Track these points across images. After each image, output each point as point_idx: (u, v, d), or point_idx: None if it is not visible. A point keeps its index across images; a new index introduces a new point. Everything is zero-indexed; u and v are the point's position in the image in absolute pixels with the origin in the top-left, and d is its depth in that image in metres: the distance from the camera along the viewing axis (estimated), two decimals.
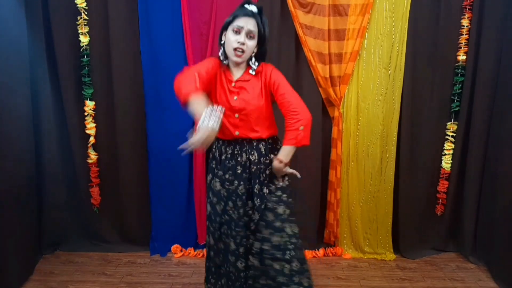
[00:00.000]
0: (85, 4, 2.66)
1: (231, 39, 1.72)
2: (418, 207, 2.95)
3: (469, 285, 2.57)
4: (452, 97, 2.81)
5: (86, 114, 2.80)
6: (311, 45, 2.67)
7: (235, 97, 1.77)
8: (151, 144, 2.81)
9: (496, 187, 2.65)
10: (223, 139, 1.84)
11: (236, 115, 1.77)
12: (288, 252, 1.72)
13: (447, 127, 2.85)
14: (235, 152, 1.82)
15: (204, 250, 2.89)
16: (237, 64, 1.79)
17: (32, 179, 2.64)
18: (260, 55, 1.82)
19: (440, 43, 2.74)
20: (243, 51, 1.72)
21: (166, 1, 2.64)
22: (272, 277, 1.72)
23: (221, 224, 1.86)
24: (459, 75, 2.76)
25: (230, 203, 1.82)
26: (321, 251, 2.93)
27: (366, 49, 2.72)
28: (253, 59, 1.80)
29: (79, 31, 2.69)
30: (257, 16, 1.74)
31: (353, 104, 2.79)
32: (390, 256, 2.90)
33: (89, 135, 2.83)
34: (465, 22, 2.69)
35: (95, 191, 2.91)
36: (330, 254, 2.93)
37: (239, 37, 1.71)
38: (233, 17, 1.74)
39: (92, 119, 2.82)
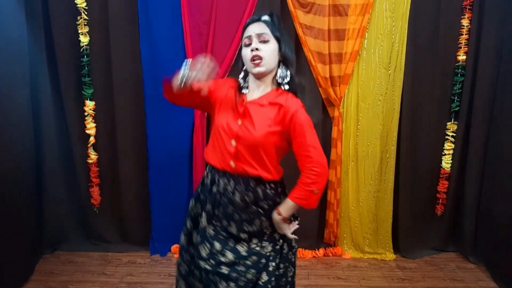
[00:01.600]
0: (85, 4, 2.66)
1: (244, 53, 1.49)
2: (418, 207, 2.95)
3: (469, 285, 2.57)
4: (452, 97, 2.81)
5: (86, 114, 2.81)
6: (311, 45, 2.67)
7: (240, 121, 1.47)
8: (151, 144, 2.81)
9: (496, 187, 2.65)
10: (217, 168, 1.52)
11: (233, 142, 1.46)
12: None
13: (447, 127, 2.86)
14: (228, 188, 1.49)
15: None
16: (260, 80, 1.51)
17: (32, 179, 2.64)
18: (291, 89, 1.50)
19: (440, 43, 2.74)
20: (260, 58, 1.44)
21: (166, 1, 2.65)
22: None
23: (196, 267, 1.55)
24: (459, 75, 2.76)
25: (217, 244, 1.51)
26: (321, 251, 2.93)
27: (366, 49, 2.72)
28: (281, 73, 1.51)
29: (79, 31, 2.69)
30: (266, 21, 1.49)
31: (353, 104, 2.79)
32: (390, 256, 2.90)
33: (89, 135, 2.83)
34: (465, 22, 2.70)
35: (95, 191, 2.91)
36: (330, 254, 2.93)
37: (252, 45, 1.46)
38: (242, 32, 1.54)
39: (92, 119, 2.82)
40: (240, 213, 1.49)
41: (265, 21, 1.49)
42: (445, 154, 2.88)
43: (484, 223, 2.80)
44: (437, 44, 2.74)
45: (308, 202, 1.44)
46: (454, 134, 2.84)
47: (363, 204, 2.90)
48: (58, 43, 2.71)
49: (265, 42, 1.46)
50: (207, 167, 1.59)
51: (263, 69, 1.46)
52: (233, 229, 1.51)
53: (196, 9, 2.65)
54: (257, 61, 1.44)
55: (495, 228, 2.65)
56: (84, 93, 2.78)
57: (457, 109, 2.80)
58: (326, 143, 2.86)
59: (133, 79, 2.76)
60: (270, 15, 1.51)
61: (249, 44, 1.47)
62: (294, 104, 1.45)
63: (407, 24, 2.65)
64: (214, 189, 1.53)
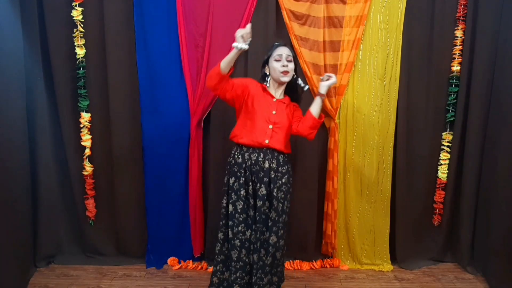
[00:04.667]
0: (81, 16, 2.67)
1: (275, 66, 2.20)
2: (415, 217, 2.94)
3: None
4: (447, 107, 2.83)
5: (81, 126, 2.80)
6: (306, 56, 2.69)
7: (274, 111, 2.20)
8: (147, 156, 2.80)
9: (492, 197, 2.65)
10: (248, 146, 2.18)
11: (270, 126, 2.18)
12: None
13: (443, 137, 2.87)
14: (259, 159, 2.16)
15: (203, 262, 2.89)
16: (280, 86, 2.27)
17: (27, 191, 2.62)
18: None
19: (434, 54, 2.76)
20: (287, 72, 2.19)
21: (162, 13, 2.66)
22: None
23: (240, 221, 2.16)
24: (453, 85, 2.78)
25: (251, 202, 2.17)
26: (318, 263, 2.92)
27: (361, 60, 2.74)
28: (299, 80, 2.31)
29: (75, 44, 2.70)
30: (288, 46, 2.28)
31: (348, 115, 2.80)
32: (388, 267, 2.89)
33: (84, 147, 2.82)
34: (458, 33, 2.72)
35: (90, 203, 2.90)
36: (328, 266, 2.92)
37: (282, 62, 2.19)
38: (271, 52, 2.25)
39: (88, 131, 2.81)
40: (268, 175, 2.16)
41: (288, 46, 2.28)
42: (441, 164, 2.88)
43: (481, 233, 2.80)
44: (431, 55, 2.77)
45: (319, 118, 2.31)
46: (450, 144, 2.85)
47: (360, 215, 2.89)
48: (54, 55, 2.71)
49: (290, 61, 2.22)
50: (236, 149, 2.24)
51: (287, 79, 2.23)
52: (264, 190, 2.15)
53: (192, 21, 2.67)
54: (286, 70, 2.19)
55: (492, 238, 2.64)
56: (79, 105, 2.78)
57: (452, 119, 2.82)
58: (323, 154, 2.87)
59: (129, 91, 2.76)
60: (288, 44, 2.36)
61: (279, 60, 2.19)
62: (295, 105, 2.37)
63: (401, 35, 2.68)
64: (248, 163, 2.16)
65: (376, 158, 2.82)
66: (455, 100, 2.80)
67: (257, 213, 2.15)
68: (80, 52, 2.71)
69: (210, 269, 2.81)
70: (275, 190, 2.15)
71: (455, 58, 2.76)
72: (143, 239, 2.93)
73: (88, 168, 2.84)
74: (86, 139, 2.81)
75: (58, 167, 2.86)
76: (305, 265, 2.89)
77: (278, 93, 2.28)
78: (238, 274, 2.16)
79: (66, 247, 2.97)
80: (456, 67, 2.76)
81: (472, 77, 2.73)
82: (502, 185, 2.55)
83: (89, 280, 2.71)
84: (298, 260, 2.92)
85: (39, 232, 2.82)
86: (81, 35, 2.70)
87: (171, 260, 2.91)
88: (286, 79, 2.21)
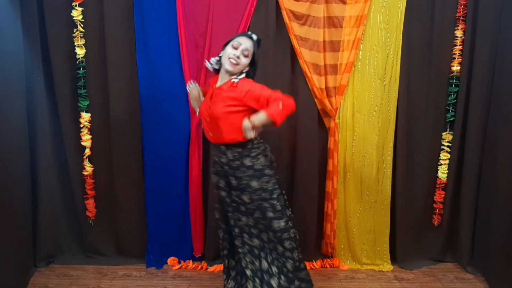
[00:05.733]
0: (81, 16, 2.67)
1: (228, 51, 2.03)
2: (415, 217, 2.94)
3: None
4: (447, 108, 2.83)
5: (81, 126, 2.80)
6: (306, 56, 2.69)
7: (209, 103, 2.07)
8: (147, 156, 2.80)
9: (492, 197, 2.65)
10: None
11: (208, 118, 2.08)
12: None
13: (443, 137, 2.87)
14: (215, 154, 2.16)
15: (203, 262, 2.90)
16: (227, 74, 2.06)
17: (27, 191, 2.62)
18: (248, 75, 2.09)
19: (434, 54, 2.76)
20: (237, 64, 2.01)
21: (162, 13, 2.66)
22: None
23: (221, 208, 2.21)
24: (453, 85, 2.78)
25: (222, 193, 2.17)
26: (318, 263, 2.92)
27: (361, 60, 2.74)
28: (240, 75, 2.05)
29: (75, 44, 2.70)
30: (255, 42, 2.07)
31: (348, 115, 2.80)
32: (388, 267, 2.89)
33: (84, 147, 2.82)
34: (458, 33, 2.72)
35: (90, 203, 2.90)
36: (328, 266, 2.91)
37: (236, 52, 2.01)
38: (235, 37, 2.08)
39: (88, 131, 2.81)
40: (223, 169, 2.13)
41: (253, 41, 2.06)
42: (441, 164, 2.88)
43: (481, 233, 2.80)
44: (431, 55, 2.76)
45: (271, 112, 1.88)
46: (450, 144, 2.85)
47: (360, 215, 2.89)
48: (54, 55, 2.71)
49: (245, 56, 2.03)
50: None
51: (232, 69, 2.02)
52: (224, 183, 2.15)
53: (192, 21, 2.67)
54: (233, 62, 2.01)
55: (492, 238, 2.64)
56: (79, 105, 2.78)
57: (452, 119, 2.82)
58: (323, 154, 2.87)
59: (129, 91, 2.76)
60: (258, 39, 2.11)
61: (235, 48, 2.01)
62: (245, 82, 2.02)
63: (401, 35, 2.68)
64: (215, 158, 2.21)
65: (376, 158, 2.82)
66: (455, 100, 2.79)
67: (224, 203, 2.17)
68: (80, 52, 2.71)
69: (210, 269, 2.82)
70: (232, 180, 2.08)
71: (455, 58, 2.76)
72: (143, 239, 2.93)
73: (88, 168, 2.84)
74: (86, 139, 2.81)
75: (58, 167, 2.86)
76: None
77: (223, 80, 2.08)
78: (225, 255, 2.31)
79: (66, 247, 2.98)
80: (456, 67, 2.75)
81: (472, 77, 2.72)
82: (502, 185, 2.55)
83: (89, 280, 2.71)
84: None
85: (39, 232, 2.82)
86: (81, 35, 2.70)
87: (171, 260, 2.91)
88: (230, 68, 2.01)
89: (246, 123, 1.91)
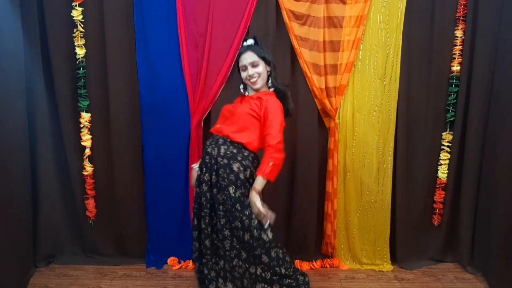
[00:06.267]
0: (81, 16, 2.67)
1: (243, 76, 2.13)
2: (415, 217, 2.94)
3: None
4: (447, 108, 2.83)
5: (81, 126, 2.80)
6: (306, 56, 2.69)
7: (236, 105, 2.13)
8: (147, 156, 2.80)
9: (492, 197, 2.65)
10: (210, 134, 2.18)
11: (227, 114, 2.12)
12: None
13: (443, 137, 2.86)
14: (207, 143, 2.11)
15: None
16: (257, 90, 2.14)
17: (27, 191, 2.62)
18: (273, 85, 2.15)
19: (434, 54, 2.76)
20: (256, 80, 2.09)
21: (162, 13, 2.66)
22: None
23: (198, 205, 2.11)
24: (453, 85, 2.78)
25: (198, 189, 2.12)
26: (318, 263, 2.92)
27: (361, 60, 2.74)
28: (270, 80, 2.13)
29: (75, 44, 2.70)
30: (253, 47, 2.10)
31: (348, 115, 2.80)
32: (388, 267, 2.89)
33: (84, 147, 2.82)
34: (458, 33, 2.72)
35: (90, 203, 2.90)
36: (328, 266, 2.91)
37: (247, 72, 2.09)
38: (238, 58, 2.15)
39: (88, 131, 2.82)
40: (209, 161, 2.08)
41: (251, 48, 2.09)
42: (441, 164, 2.88)
43: (481, 233, 2.80)
44: (431, 55, 2.76)
45: (265, 173, 1.90)
46: (450, 144, 2.85)
47: (360, 215, 2.89)
48: (54, 55, 2.72)
49: (255, 66, 2.08)
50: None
51: (257, 85, 2.10)
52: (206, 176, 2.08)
53: (192, 21, 2.67)
54: (254, 80, 2.09)
55: (492, 238, 2.64)
56: (80, 105, 2.78)
57: (452, 119, 2.82)
58: (323, 154, 2.87)
59: (129, 91, 2.76)
60: (254, 38, 2.13)
61: (244, 70, 2.10)
62: (270, 97, 2.06)
63: (401, 35, 2.68)
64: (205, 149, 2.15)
65: (376, 158, 2.82)
66: (455, 100, 2.79)
67: (203, 198, 2.06)
68: (80, 52, 2.71)
69: None
70: (213, 176, 2.01)
71: (455, 58, 2.76)
72: (143, 239, 2.93)
73: (88, 168, 2.84)
74: (86, 139, 2.81)
75: (58, 167, 2.86)
76: (305, 265, 2.89)
77: (253, 92, 2.18)
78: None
79: (66, 247, 2.98)
80: (456, 67, 2.75)
81: (472, 77, 2.72)
82: (502, 185, 2.55)
83: (89, 280, 2.71)
84: (298, 260, 2.91)
85: (39, 232, 2.82)
86: (81, 35, 2.70)
87: (171, 260, 2.92)
88: (255, 87, 2.10)
89: (252, 194, 1.92)
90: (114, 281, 2.69)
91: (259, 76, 2.07)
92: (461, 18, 2.70)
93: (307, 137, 2.80)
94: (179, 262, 2.91)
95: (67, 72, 2.75)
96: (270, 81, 2.13)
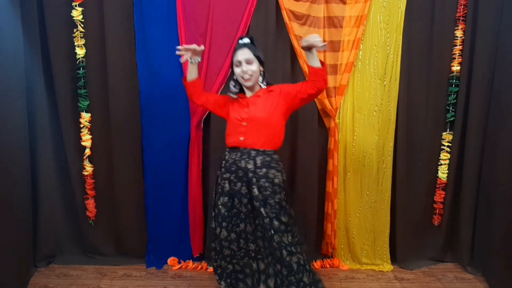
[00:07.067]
0: (81, 16, 2.67)
1: (236, 72, 2.16)
2: (415, 217, 2.94)
3: None
4: (447, 108, 2.83)
5: (81, 126, 2.80)
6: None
7: (246, 109, 2.14)
8: (147, 156, 2.80)
9: (492, 197, 2.65)
10: (230, 147, 2.19)
11: (244, 123, 2.12)
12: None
13: (443, 137, 2.86)
14: (236, 158, 2.13)
15: (203, 262, 2.89)
16: (250, 88, 2.18)
17: (27, 191, 2.62)
18: (267, 83, 2.21)
19: (434, 54, 2.76)
20: (250, 76, 2.11)
21: (162, 13, 2.66)
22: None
23: (231, 217, 2.15)
24: (453, 85, 2.78)
25: (236, 200, 2.14)
26: (318, 263, 2.92)
27: (361, 60, 2.74)
28: (261, 79, 2.17)
29: (75, 44, 2.70)
30: (249, 45, 2.14)
31: (348, 115, 2.80)
32: (388, 267, 2.89)
33: (84, 147, 2.82)
34: (458, 33, 2.72)
35: (90, 203, 2.90)
36: (328, 266, 2.91)
37: (241, 68, 2.11)
38: (233, 55, 2.16)
39: (88, 131, 2.82)
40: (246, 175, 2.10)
41: (247, 45, 2.13)
42: (441, 164, 2.88)
43: (481, 233, 2.80)
44: (431, 55, 2.76)
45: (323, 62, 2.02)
46: (450, 144, 2.85)
47: (360, 215, 2.89)
48: (54, 55, 2.72)
49: (250, 63, 2.11)
50: (225, 152, 2.23)
51: (250, 83, 2.15)
52: (245, 189, 2.12)
53: (192, 21, 2.67)
54: (247, 77, 2.12)
55: (492, 238, 2.64)
56: (80, 105, 2.78)
57: (452, 119, 2.82)
58: (323, 154, 2.87)
59: (129, 91, 2.76)
60: (250, 39, 2.18)
61: (238, 66, 2.13)
62: (278, 85, 2.20)
63: (401, 35, 2.68)
64: (228, 162, 2.18)
65: (376, 158, 2.82)
66: (455, 100, 2.79)
67: (240, 210, 2.14)
68: (80, 52, 2.71)
69: (210, 269, 2.81)
70: (254, 189, 2.06)
71: (455, 58, 2.76)
72: (143, 239, 2.93)
73: (88, 168, 2.84)
74: (86, 139, 2.81)
75: (58, 167, 2.86)
76: None
77: (254, 90, 2.20)
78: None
79: (66, 247, 2.98)
80: (456, 67, 2.75)
81: (472, 77, 2.72)
82: (502, 185, 2.55)
83: (89, 280, 2.71)
84: None
85: (39, 232, 2.82)
86: (81, 35, 2.70)
87: (171, 260, 2.92)
88: (248, 84, 2.14)
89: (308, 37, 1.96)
90: (114, 281, 2.69)
91: (252, 75, 2.12)
92: (461, 18, 2.70)
93: (307, 137, 2.80)
94: (179, 262, 2.91)
95: (67, 72, 2.75)
96: (264, 79, 2.19)
